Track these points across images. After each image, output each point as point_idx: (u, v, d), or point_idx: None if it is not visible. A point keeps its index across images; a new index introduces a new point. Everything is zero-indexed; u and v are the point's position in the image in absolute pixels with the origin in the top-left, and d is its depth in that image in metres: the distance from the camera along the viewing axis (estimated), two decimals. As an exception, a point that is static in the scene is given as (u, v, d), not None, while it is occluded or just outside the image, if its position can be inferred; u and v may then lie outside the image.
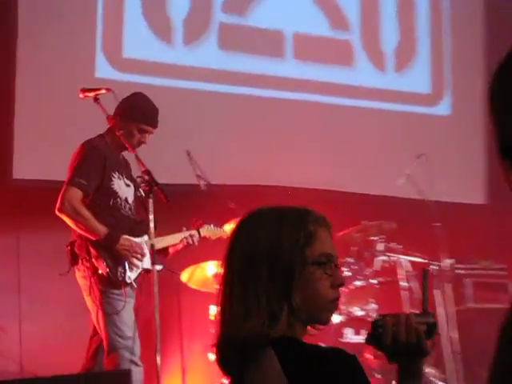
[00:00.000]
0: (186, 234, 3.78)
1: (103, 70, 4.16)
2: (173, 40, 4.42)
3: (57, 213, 3.42)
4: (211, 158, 3.96)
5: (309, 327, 1.42)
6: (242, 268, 1.33)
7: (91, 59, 4.12)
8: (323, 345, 1.81)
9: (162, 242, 3.67)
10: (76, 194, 3.39)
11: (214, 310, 4.11)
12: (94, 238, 3.36)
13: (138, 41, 4.33)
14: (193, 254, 3.98)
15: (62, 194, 3.40)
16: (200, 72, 4.44)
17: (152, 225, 3.53)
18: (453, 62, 5.26)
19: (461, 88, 5.27)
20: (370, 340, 1.46)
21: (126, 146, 3.53)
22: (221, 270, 1.41)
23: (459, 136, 5.15)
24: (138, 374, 3.42)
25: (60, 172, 3.53)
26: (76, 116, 3.83)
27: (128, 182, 3.63)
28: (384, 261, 4.62)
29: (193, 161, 3.88)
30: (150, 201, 3.43)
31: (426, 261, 4.48)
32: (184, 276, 4.15)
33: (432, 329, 1.40)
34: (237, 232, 1.43)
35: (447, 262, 4.33)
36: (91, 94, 3.30)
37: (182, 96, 4.35)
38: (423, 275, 1.60)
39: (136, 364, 3.43)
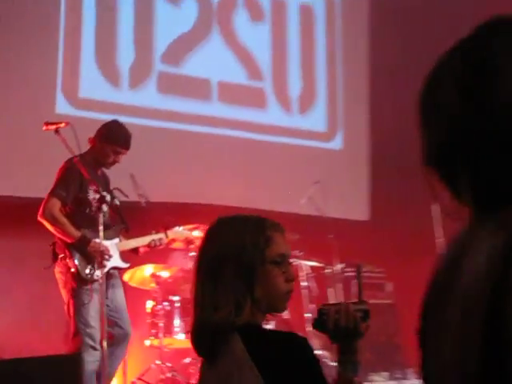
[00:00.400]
0: (154, 236, 4.02)
1: (62, 107, 4.49)
2: (120, 84, 4.81)
3: (39, 218, 3.61)
4: (151, 179, 4.25)
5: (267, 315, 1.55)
6: (212, 268, 1.42)
7: (52, 98, 4.46)
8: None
9: (130, 244, 3.97)
10: (55, 203, 3.60)
11: (150, 305, 4.43)
12: (69, 241, 3.59)
13: (92, 83, 4.67)
14: (134, 258, 4.12)
15: (44, 203, 3.62)
16: (142, 111, 4.82)
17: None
18: (344, 105, 5.81)
19: (350, 127, 5.81)
20: (316, 325, 1.59)
21: (101, 165, 3.79)
22: (193, 270, 1.50)
23: (348, 165, 5.62)
24: (94, 356, 3.58)
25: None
26: (40, 145, 4.11)
27: (104, 194, 3.72)
28: (288, 264, 5.00)
29: (135, 182, 4.06)
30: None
31: (322, 265, 4.85)
32: (126, 276, 4.29)
33: (366, 314, 1.51)
34: (206, 238, 1.51)
35: (339, 267, 4.76)
36: (53, 127, 3.44)
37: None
38: (357, 270, 1.79)
39: (95, 349, 3.58)
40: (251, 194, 4.90)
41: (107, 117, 4.43)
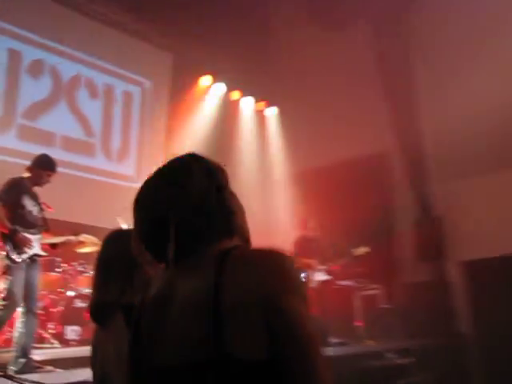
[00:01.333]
0: (67, 237, 4.97)
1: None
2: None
3: None
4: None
5: None
6: (106, 267, 1.85)
7: None
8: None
9: (49, 240, 4.86)
10: None
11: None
12: (4, 231, 4.49)
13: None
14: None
15: None
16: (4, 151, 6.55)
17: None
18: (145, 157, 7.97)
19: (147, 171, 8.30)
20: None
21: (37, 184, 4.74)
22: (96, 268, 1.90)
23: None
24: (10, 309, 4.44)
25: None
26: None
27: (34, 203, 4.74)
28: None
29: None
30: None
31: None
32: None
33: None
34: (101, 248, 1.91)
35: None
36: None
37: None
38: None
39: (14, 305, 4.46)
40: (84, 214, 6.71)
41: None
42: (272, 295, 1.13)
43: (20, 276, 4.56)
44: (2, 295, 4.56)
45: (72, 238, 4.96)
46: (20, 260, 4.58)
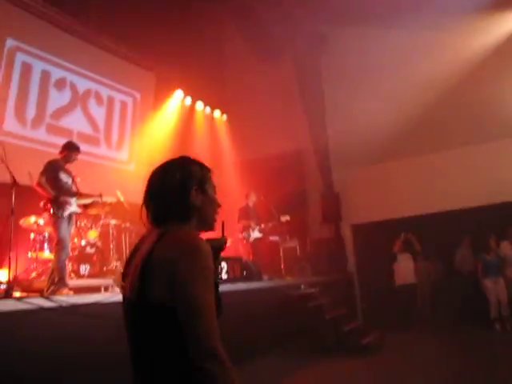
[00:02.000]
0: (94, 199, 5.49)
1: None
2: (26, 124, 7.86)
3: (35, 186, 4.92)
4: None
5: None
6: None
7: None
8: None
9: (82, 201, 5.47)
10: (43, 178, 4.97)
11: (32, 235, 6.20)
12: (50, 197, 4.97)
13: None
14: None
15: (38, 179, 4.91)
16: (37, 142, 8.08)
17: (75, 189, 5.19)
18: (132, 146, 9.56)
19: (138, 158, 9.26)
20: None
21: (68, 162, 5.30)
22: None
23: (137, 178, 8.33)
24: (66, 254, 4.91)
25: None
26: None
27: (68, 176, 5.22)
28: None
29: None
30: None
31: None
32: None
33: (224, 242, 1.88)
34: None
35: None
36: None
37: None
38: (222, 225, 2.04)
39: (66, 250, 4.94)
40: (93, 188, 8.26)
41: None
42: (175, 261, 1.38)
43: (65, 227, 5.07)
44: (55, 242, 5.10)
45: (98, 199, 5.62)
46: (64, 216, 5.07)
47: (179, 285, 1.38)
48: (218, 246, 2.34)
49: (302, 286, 8.23)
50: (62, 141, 6.18)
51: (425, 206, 9.79)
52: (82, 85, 9.03)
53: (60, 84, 8.60)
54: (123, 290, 1.55)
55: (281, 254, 9.63)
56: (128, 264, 1.58)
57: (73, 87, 8.87)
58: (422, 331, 9.02)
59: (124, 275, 1.58)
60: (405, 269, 9.84)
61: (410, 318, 9.47)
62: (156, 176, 1.62)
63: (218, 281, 2.41)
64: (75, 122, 8.79)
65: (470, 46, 9.10)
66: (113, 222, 7.47)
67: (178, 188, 1.57)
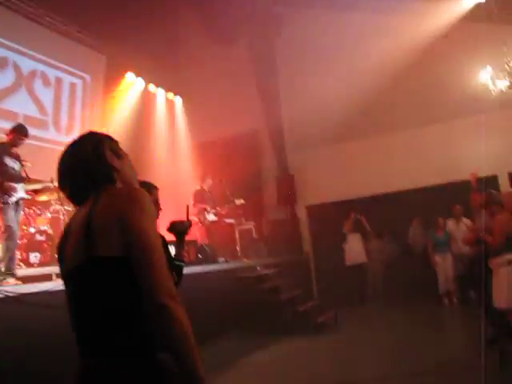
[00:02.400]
0: (46, 184, 5.28)
1: None
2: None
3: None
4: None
5: None
6: None
7: None
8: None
9: (31, 186, 5.34)
10: None
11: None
12: None
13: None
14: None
15: None
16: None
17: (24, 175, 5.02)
18: (83, 130, 9.73)
19: None
20: (169, 229, 2.26)
21: (14, 145, 5.10)
22: None
23: None
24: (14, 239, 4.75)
25: None
26: None
27: (15, 161, 5.04)
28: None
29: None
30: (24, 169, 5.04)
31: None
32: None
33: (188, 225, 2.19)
34: None
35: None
36: None
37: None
38: (187, 208, 2.31)
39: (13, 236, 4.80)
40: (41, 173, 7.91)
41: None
42: (124, 213, 1.40)
43: (12, 213, 4.98)
44: (2, 229, 4.97)
45: (49, 184, 5.38)
46: (10, 202, 4.98)
47: (133, 231, 1.39)
48: (183, 229, 2.41)
49: (258, 268, 8.22)
50: (6, 125, 5.91)
51: (378, 186, 9.95)
52: (27, 65, 8.64)
53: (1, 64, 8.20)
54: (64, 263, 1.54)
55: (236, 236, 9.65)
56: (64, 239, 1.56)
57: (16, 68, 8.48)
58: (375, 307, 9.37)
59: (60, 249, 1.57)
60: (354, 249, 10.00)
61: (363, 295, 9.85)
62: (68, 155, 1.63)
63: (182, 264, 2.51)
64: (20, 105, 8.44)
65: (421, 29, 9.27)
66: (64, 208, 7.16)
67: (93, 157, 1.58)
